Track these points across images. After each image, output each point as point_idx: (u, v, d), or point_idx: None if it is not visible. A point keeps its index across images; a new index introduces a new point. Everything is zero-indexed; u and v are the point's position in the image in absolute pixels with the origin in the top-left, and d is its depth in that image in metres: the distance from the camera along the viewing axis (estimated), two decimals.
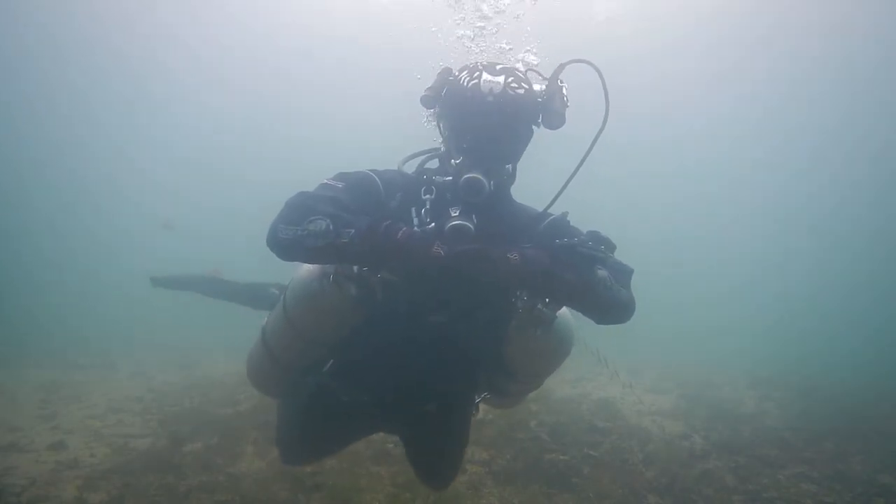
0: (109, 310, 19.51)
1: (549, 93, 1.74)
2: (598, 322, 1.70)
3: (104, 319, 16.64)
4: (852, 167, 27.36)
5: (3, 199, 29.67)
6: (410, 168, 1.94)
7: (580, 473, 4.41)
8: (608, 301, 1.62)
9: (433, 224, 1.69)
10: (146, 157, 32.05)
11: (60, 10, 19.79)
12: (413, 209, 1.78)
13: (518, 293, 1.75)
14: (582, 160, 1.79)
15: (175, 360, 10.08)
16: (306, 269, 1.90)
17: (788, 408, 7.53)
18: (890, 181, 27.10)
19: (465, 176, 1.67)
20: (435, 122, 1.93)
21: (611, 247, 1.69)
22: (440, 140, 1.91)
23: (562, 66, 1.79)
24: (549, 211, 1.92)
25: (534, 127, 1.81)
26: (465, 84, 1.71)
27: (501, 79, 1.69)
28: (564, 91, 1.76)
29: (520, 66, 1.86)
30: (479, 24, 2.60)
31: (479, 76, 1.70)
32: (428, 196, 1.76)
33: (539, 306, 1.71)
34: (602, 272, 1.62)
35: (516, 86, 1.70)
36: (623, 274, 1.71)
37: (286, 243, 1.55)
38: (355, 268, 1.73)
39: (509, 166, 1.82)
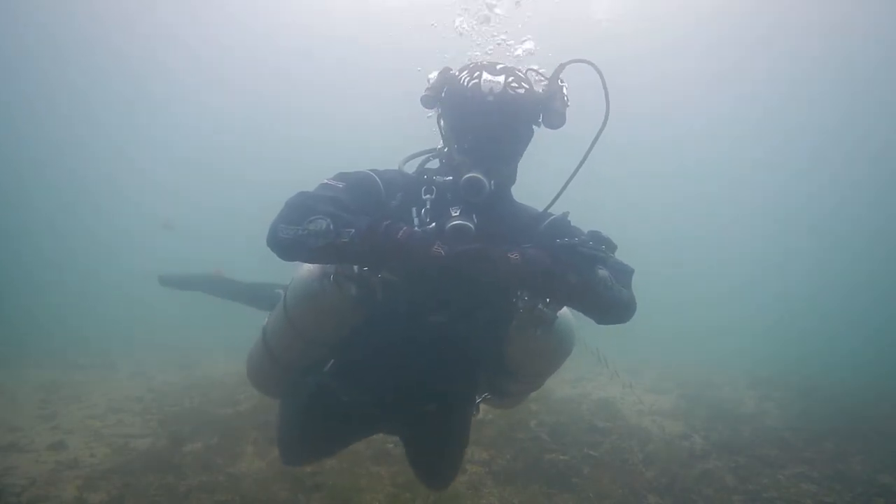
0: (109, 310, 19.51)
1: (550, 92, 1.75)
2: (599, 322, 1.69)
3: (104, 319, 16.63)
4: (852, 167, 27.37)
5: (3, 199, 29.67)
6: (411, 168, 1.94)
7: (580, 473, 4.41)
8: (609, 301, 1.62)
9: (433, 224, 1.69)
10: (146, 157, 32.06)
11: (60, 10, 19.79)
12: (413, 209, 1.77)
13: (519, 293, 1.75)
14: (582, 160, 1.79)
15: (175, 360, 10.08)
16: (307, 269, 1.90)
17: (788, 408, 7.53)
18: (890, 181, 27.10)
19: (466, 176, 1.67)
20: (436, 122, 1.93)
21: (611, 247, 1.69)
22: (441, 140, 1.92)
23: (562, 66, 1.79)
24: (549, 211, 1.92)
25: (534, 127, 1.81)
26: (466, 84, 1.71)
27: (502, 78, 1.69)
28: (565, 91, 1.76)
29: (519, 52, 1.86)
30: (483, 12, 2.59)
31: (480, 76, 1.70)
32: (428, 196, 1.76)
33: (540, 306, 1.71)
34: (603, 272, 1.62)
35: (517, 85, 1.70)
36: (624, 274, 1.71)
37: (286, 243, 1.55)
38: (356, 268, 1.73)
39: (510, 166, 1.82)
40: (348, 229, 1.50)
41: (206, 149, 31.87)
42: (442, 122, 1.86)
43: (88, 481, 4.10)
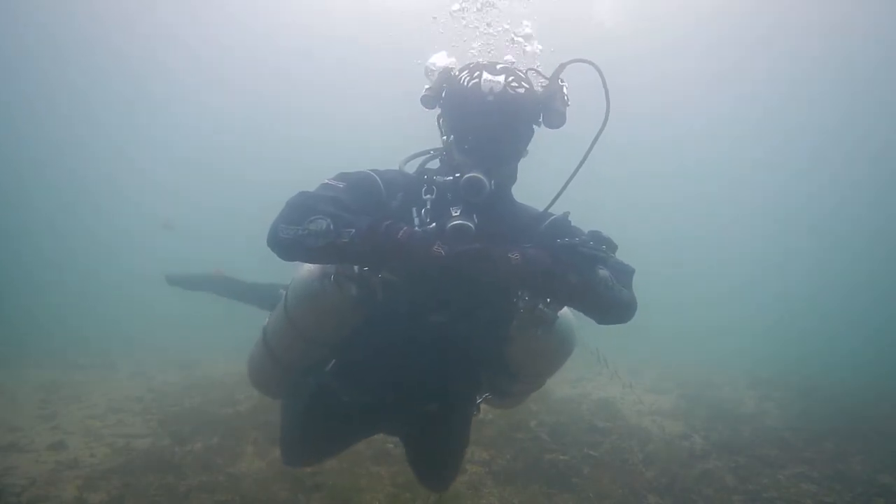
0: (109, 310, 19.51)
1: (550, 92, 1.75)
2: (600, 322, 1.69)
3: (104, 319, 16.63)
4: (852, 167, 27.38)
5: (3, 199, 29.67)
6: (411, 168, 1.94)
7: (580, 473, 4.41)
8: (609, 301, 1.62)
9: (434, 224, 1.69)
10: (146, 157, 32.07)
11: (60, 10, 19.80)
12: (414, 209, 1.77)
13: (519, 293, 1.75)
14: (582, 160, 1.79)
15: (175, 360, 10.07)
16: (307, 269, 1.90)
17: (788, 408, 7.53)
18: (890, 181, 27.11)
19: (466, 176, 1.67)
20: (437, 122, 1.93)
21: (612, 247, 1.69)
22: (441, 140, 1.91)
23: (562, 66, 1.79)
24: (550, 211, 1.92)
25: (534, 126, 1.81)
26: (466, 84, 1.71)
27: (502, 78, 1.69)
28: (565, 90, 1.76)
29: (517, 38, 1.86)
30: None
31: (480, 76, 1.70)
32: (429, 196, 1.76)
33: (540, 306, 1.71)
34: (603, 272, 1.62)
35: (517, 85, 1.70)
36: (624, 274, 1.71)
37: (287, 243, 1.55)
38: (356, 268, 1.73)
39: (510, 166, 1.82)
40: (349, 229, 1.50)
41: (206, 149, 31.86)
42: (442, 122, 1.86)
43: (88, 481, 4.10)
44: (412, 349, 1.88)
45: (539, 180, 2.30)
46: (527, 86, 1.73)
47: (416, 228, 1.66)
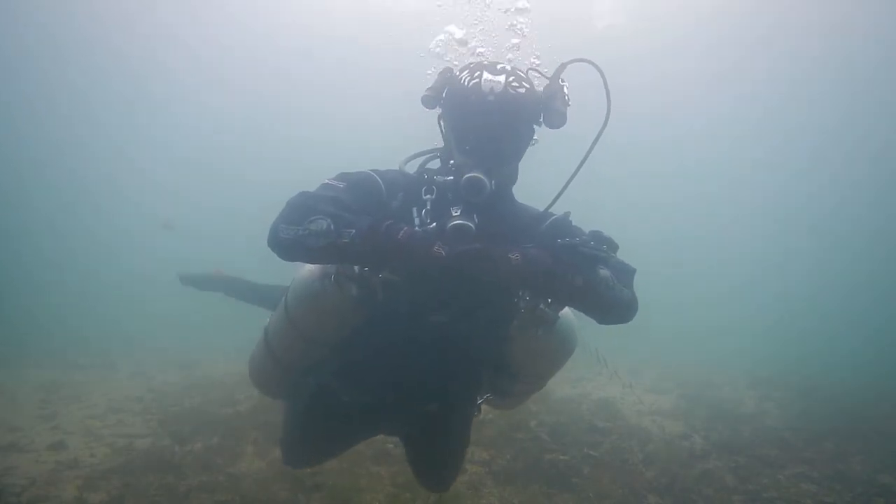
0: (109, 310, 19.52)
1: (551, 92, 1.74)
2: (601, 322, 1.69)
3: (104, 319, 16.64)
4: (852, 167, 27.38)
5: (3, 199, 29.67)
6: (412, 168, 1.94)
7: (580, 473, 4.41)
8: (610, 301, 1.61)
9: (434, 224, 1.69)
10: (146, 157, 32.07)
11: (60, 10, 19.79)
12: (414, 209, 1.77)
13: (520, 293, 1.75)
14: (583, 160, 1.79)
15: (175, 360, 10.07)
16: (307, 270, 1.91)
17: (788, 408, 7.53)
18: (890, 181, 27.11)
19: (467, 176, 1.67)
20: (437, 122, 1.93)
21: (613, 247, 1.69)
22: (442, 140, 1.91)
23: (563, 66, 1.79)
24: (550, 211, 1.92)
25: (535, 126, 1.81)
26: (466, 84, 1.71)
27: (502, 78, 1.69)
28: (566, 90, 1.76)
29: (512, 25, 1.85)
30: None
31: (480, 76, 1.70)
32: (429, 196, 1.76)
33: (541, 306, 1.71)
34: (604, 272, 1.62)
35: (517, 85, 1.70)
36: (625, 274, 1.70)
37: (287, 243, 1.55)
38: (356, 268, 1.73)
39: (510, 166, 1.82)
40: (349, 229, 1.50)
41: (206, 149, 31.87)
42: (443, 122, 1.86)
43: (88, 481, 4.10)
44: (413, 349, 1.88)
45: (541, 180, 2.30)
46: (527, 86, 1.73)
47: (417, 228, 1.66)
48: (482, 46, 2.39)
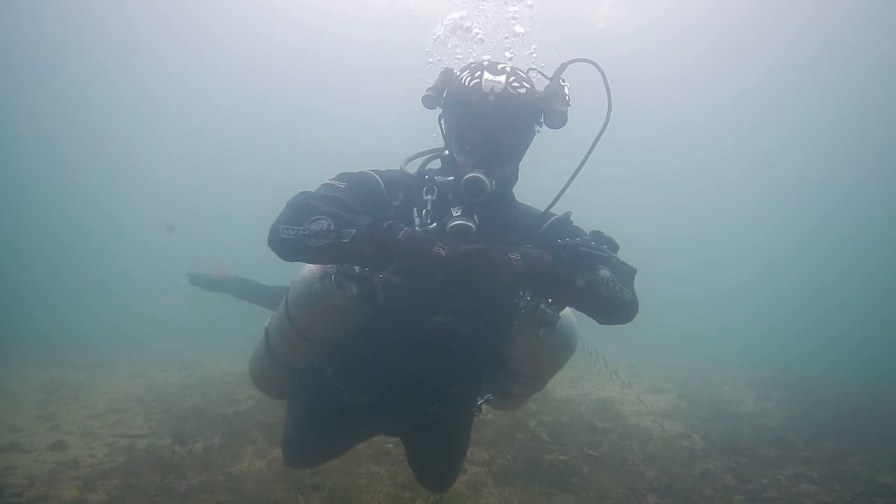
0: (109, 310, 19.52)
1: (551, 92, 1.74)
2: (601, 322, 1.69)
3: (104, 319, 16.64)
4: (852, 167, 27.38)
5: (3, 199, 29.66)
6: (413, 168, 1.94)
7: (580, 473, 4.41)
8: (611, 301, 1.61)
9: (435, 224, 1.69)
10: (147, 156, 32.07)
11: (61, 9, 19.78)
12: (415, 209, 1.77)
13: (521, 293, 1.75)
14: (584, 159, 1.79)
15: (175, 360, 10.08)
16: (308, 270, 1.91)
17: (788, 408, 7.53)
18: (889, 181, 27.12)
19: (467, 176, 1.67)
20: (438, 122, 1.93)
21: (613, 247, 1.69)
22: (442, 140, 1.91)
23: (564, 66, 1.79)
24: (551, 211, 1.92)
25: (536, 126, 1.81)
26: (467, 84, 1.71)
27: (503, 78, 1.69)
28: (566, 90, 1.75)
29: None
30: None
31: (481, 76, 1.70)
32: (429, 196, 1.76)
33: (542, 307, 1.71)
34: (605, 272, 1.62)
35: (518, 85, 1.70)
36: (626, 274, 1.70)
37: (287, 243, 1.55)
38: (357, 268, 1.73)
39: (511, 166, 1.82)
40: (349, 229, 1.49)
41: (207, 149, 31.89)
42: (443, 123, 1.86)
43: (88, 481, 4.10)
44: (413, 349, 1.88)
45: (542, 180, 2.30)
46: (528, 86, 1.73)
47: (417, 229, 1.66)
48: (482, 30, 2.39)
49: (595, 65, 1.77)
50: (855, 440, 5.67)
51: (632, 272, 1.73)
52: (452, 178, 1.74)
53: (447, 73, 1.82)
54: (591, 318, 1.68)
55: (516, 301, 1.76)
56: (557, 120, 1.74)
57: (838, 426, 6.19)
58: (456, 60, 2.49)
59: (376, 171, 1.87)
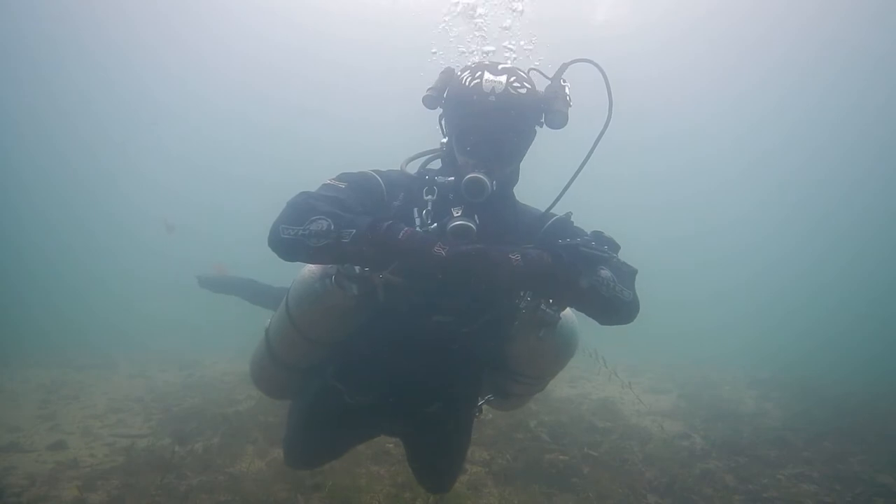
0: (109, 310, 19.51)
1: (552, 92, 1.74)
2: (602, 323, 1.69)
3: (104, 319, 16.64)
4: (852, 167, 27.38)
5: (3, 199, 29.66)
6: (413, 168, 1.93)
7: (580, 473, 4.41)
8: (611, 302, 1.61)
9: (435, 224, 1.69)
10: (146, 157, 32.06)
11: (61, 8, 19.78)
12: (415, 209, 1.77)
13: (521, 294, 1.75)
14: (585, 160, 1.79)
15: (175, 360, 10.07)
16: (308, 270, 1.91)
17: (788, 408, 7.53)
18: (890, 181, 27.11)
19: (467, 176, 1.67)
20: (438, 122, 1.92)
21: (614, 247, 1.68)
22: (443, 140, 1.91)
23: (565, 66, 1.79)
24: (552, 211, 1.92)
25: (536, 127, 1.81)
26: (467, 84, 1.71)
27: (503, 78, 1.68)
28: (567, 90, 1.75)
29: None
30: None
31: (481, 76, 1.69)
32: (430, 196, 1.76)
33: (542, 307, 1.71)
34: (605, 273, 1.61)
35: (518, 85, 1.69)
36: (627, 274, 1.70)
37: (288, 243, 1.55)
38: (357, 268, 1.73)
39: (511, 166, 1.82)
40: (349, 229, 1.49)
41: (207, 149, 31.87)
42: (444, 123, 1.86)
43: (88, 481, 4.10)
44: (414, 349, 1.88)
45: (543, 180, 2.30)
46: (528, 86, 1.72)
47: (418, 229, 1.66)
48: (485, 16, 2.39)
49: (596, 65, 1.76)
50: (855, 440, 5.66)
51: (632, 273, 1.72)
52: (453, 178, 1.74)
53: (448, 73, 1.81)
54: (592, 318, 1.68)
55: (517, 301, 1.76)
56: (558, 120, 1.74)
57: (838, 426, 6.19)
58: (460, 51, 2.49)
59: (377, 172, 1.87)
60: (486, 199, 1.68)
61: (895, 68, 20.43)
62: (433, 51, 2.04)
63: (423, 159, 1.95)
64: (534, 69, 1.81)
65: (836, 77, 21.80)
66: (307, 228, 1.52)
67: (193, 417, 5.93)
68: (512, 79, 1.69)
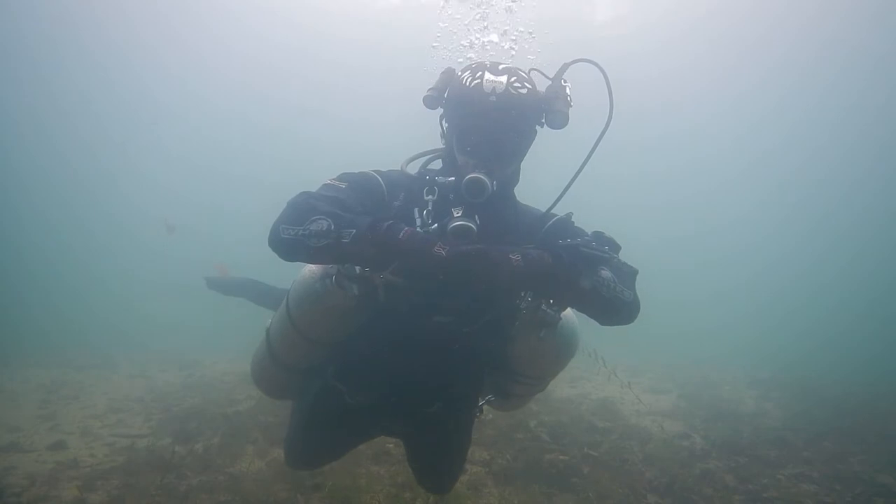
0: (109, 310, 19.52)
1: (553, 92, 1.74)
2: (602, 323, 1.69)
3: (104, 319, 16.64)
4: (852, 167, 27.38)
5: (3, 199, 29.66)
6: (414, 169, 1.93)
7: (580, 473, 4.41)
8: (612, 302, 1.61)
9: (435, 224, 1.69)
10: (146, 157, 32.06)
11: (61, 8, 19.77)
12: (416, 209, 1.77)
13: (522, 294, 1.75)
14: (585, 160, 1.79)
15: (175, 360, 10.08)
16: (309, 270, 1.91)
17: (788, 408, 7.53)
18: (890, 181, 27.11)
19: (468, 176, 1.66)
20: (439, 122, 1.92)
21: (615, 247, 1.68)
22: (443, 140, 1.91)
23: (566, 66, 1.79)
24: (552, 211, 1.92)
25: (537, 127, 1.81)
26: (468, 84, 1.70)
27: (504, 78, 1.68)
28: (568, 91, 1.75)
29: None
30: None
31: (482, 76, 1.69)
32: (430, 196, 1.76)
33: (543, 307, 1.71)
34: (606, 273, 1.61)
35: (519, 85, 1.69)
36: (627, 275, 1.70)
37: (288, 243, 1.55)
38: (357, 268, 1.73)
39: (512, 167, 1.82)
40: (349, 230, 1.49)
41: (207, 149, 31.88)
42: (444, 123, 1.86)
43: (88, 481, 4.10)
44: (414, 350, 1.87)
45: (542, 181, 2.30)
46: (529, 86, 1.72)
47: (418, 229, 1.66)
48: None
49: (597, 65, 1.76)
50: (855, 440, 5.66)
51: (633, 273, 1.72)
52: (453, 178, 1.74)
53: (448, 73, 1.81)
54: (593, 318, 1.68)
55: (517, 302, 1.76)
56: (559, 120, 1.73)
57: (838, 426, 6.19)
58: (461, 46, 2.49)
59: (377, 172, 1.87)
60: (486, 200, 1.68)
61: (895, 68, 20.42)
62: (434, 44, 2.03)
63: (423, 159, 1.95)
64: (534, 69, 1.81)
65: (836, 77, 21.79)
66: (307, 228, 1.52)
67: (193, 417, 5.93)
68: (513, 79, 1.69)
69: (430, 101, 1.80)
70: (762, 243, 33.83)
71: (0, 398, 6.79)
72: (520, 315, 1.79)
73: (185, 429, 5.47)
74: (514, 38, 2.44)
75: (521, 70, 1.76)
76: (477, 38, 2.52)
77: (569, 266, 1.54)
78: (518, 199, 1.97)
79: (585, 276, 1.56)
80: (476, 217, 1.67)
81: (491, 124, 1.69)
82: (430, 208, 1.75)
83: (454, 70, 1.81)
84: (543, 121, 1.78)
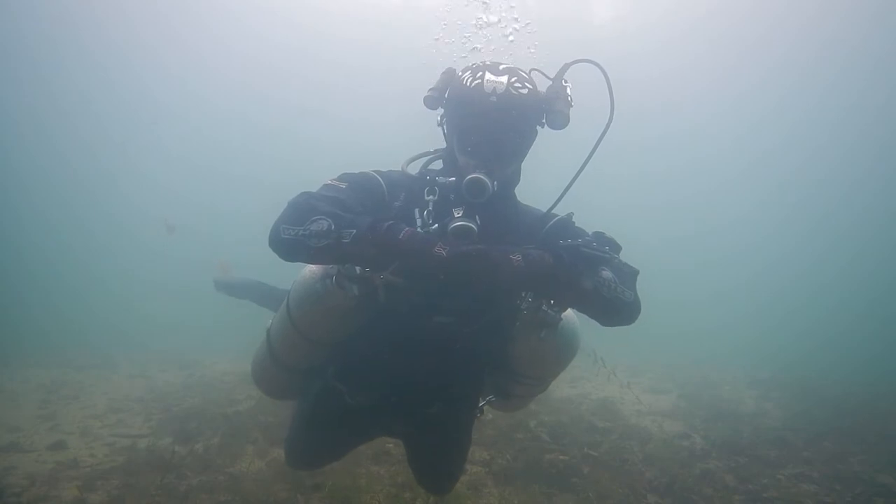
0: (109, 310, 19.51)
1: (553, 93, 1.74)
2: (603, 324, 1.69)
3: (104, 319, 16.63)
4: (852, 167, 27.38)
5: (3, 199, 29.65)
6: (414, 169, 1.93)
7: (580, 473, 4.41)
8: (612, 303, 1.61)
9: (436, 225, 1.69)
10: (146, 157, 32.06)
11: (61, 8, 19.77)
12: (416, 210, 1.77)
13: (522, 295, 1.75)
14: (586, 160, 1.79)
15: (175, 360, 10.07)
16: (309, 270, 1.91)
17: (788, 408, 7.53)
18: (890, 181, 27.11)
19: (469, 177, 1.66)
20: (440, 122, 1.92)
21: (616, 248, 1.68)
22: (444, 140, 1.91)
23: (566, 66, 1.79)
24: (553, 212, 1.92)
25: (538, 127, 1.81)
26: (469, 84, 1.70)
27: (504, 79, 1.68)
28: (568, 91, 1.75)
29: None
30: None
31: (483, 76, 1.69)
32: (431, 197, 1.76)
33: (544, 308, 1.71)
34: (606, 273, 1.61)
35: (519, 86, 1.69)
36: (628, 275, 1.70)
37: (288, 243, 1.55)
38: (358, 269, 1.73)
39: (512, 167, 1.82)
40: (350, 230, 1.49)
41: (207, 149, 31.88)
42: (445, 123, 1.85)
43: (88, 481, 4.10)
44: (415, 350, 1.87)
45: (542, 181, 2.30)
46: (530, 86, 1.72)
47: (419, 229, 1.66)
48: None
49: (598, 65, 1.76)
50: (855, 440, 5.66)
51: (634, 273, 1.72)
52: (454, 178, 1.74)
53: (449, 73, 1.81)
54: (593, 319, 1.68)
55: (518, 302, 1.76)
56: (559, 121, 1.73)
57: (838, 426, 6.19)
58: (463, 40, 2.49)
59: (378, 172, 1.87)
60: (487, 200, 1.68)
61: (895, 68, 20.41)
62: (435, 38, 2.03)
63: (424, 160, 1.95)
64: (535, 70, 1.81)
65: (836, 77, 21.79)
66: (308, 229, 1.51)
67: (193, 417, 5.93)
68: (513, 79, 1.69)
69: (431, 102, 1.80)
70: (762, 243, 33.82)
71: (0, 398, 6.79)
72: (520, 315, 1.79)
73: (185, 429, 5.47)
74: (516, 18, 2.42)
75: (521, 70, 1.76)
76: (478, 18, 2.49)
77: (569, 266, 1.54)
78: (519, 199, 1.97)
79: (586, 276, 1.55)
80: (477, 217, 1.67)
81: (491, 124, 1.69)
82: (430, 208, 1.75)
83: (455, 70, 1.81)
84: (544, 121, 1.77)
